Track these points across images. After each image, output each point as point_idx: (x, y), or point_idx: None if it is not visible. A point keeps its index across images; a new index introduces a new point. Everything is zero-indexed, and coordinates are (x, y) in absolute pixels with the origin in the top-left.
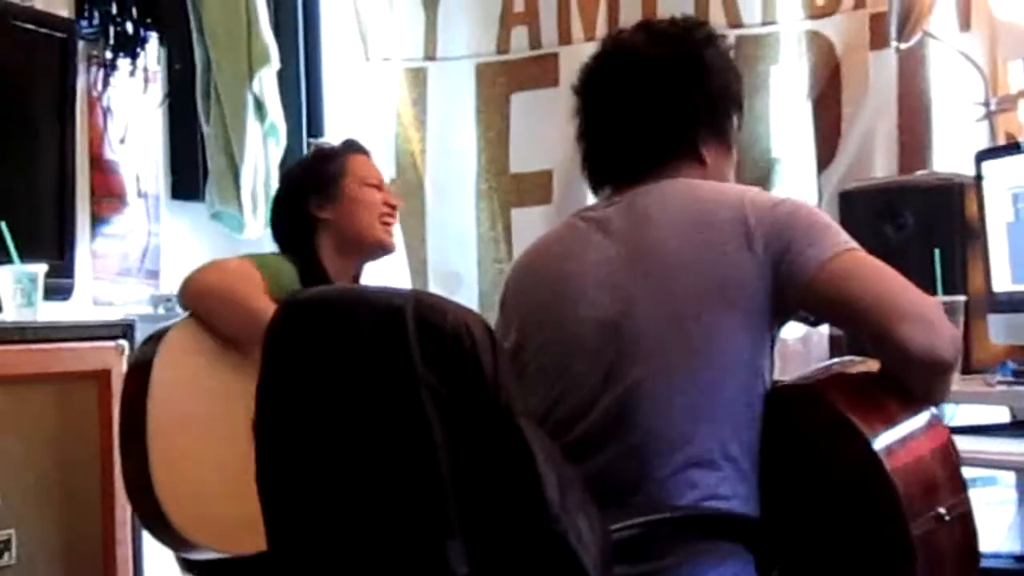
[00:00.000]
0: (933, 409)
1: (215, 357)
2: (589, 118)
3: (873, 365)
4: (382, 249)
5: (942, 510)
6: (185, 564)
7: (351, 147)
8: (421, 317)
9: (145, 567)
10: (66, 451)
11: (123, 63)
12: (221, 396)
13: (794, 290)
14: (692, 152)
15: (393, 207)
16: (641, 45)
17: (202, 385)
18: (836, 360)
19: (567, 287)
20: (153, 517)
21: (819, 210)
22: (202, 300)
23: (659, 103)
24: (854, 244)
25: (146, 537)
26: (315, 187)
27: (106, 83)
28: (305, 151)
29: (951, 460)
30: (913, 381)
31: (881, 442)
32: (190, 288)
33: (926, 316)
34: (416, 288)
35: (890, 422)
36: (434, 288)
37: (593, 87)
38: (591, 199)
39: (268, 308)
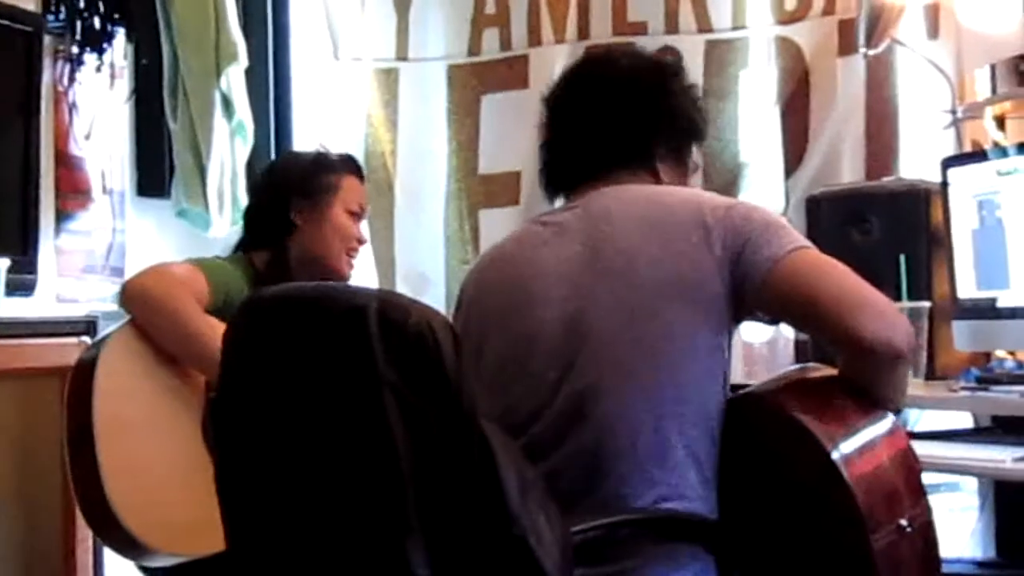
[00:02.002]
0: (893, 416)
1: (159, 359)
2: (554, 125)
3: (832, 372)
4: (339, 278)
5: (903, 521)
6: (143, 568)
7: (349, 166)
8: (384, 316)
9: (106, 567)
10: (28, 448)
11: (90, 58)
12: (167, 398)
13: (751, 288)
14: (648, 164)
15: (361, 243)
16: (612, 60)
17: (147, 388)
18: (796, 367)
19: (525, 289)
20: (108, 526)
21: (772, 212)
22: (140, 309)
23: (621, 109)
24: (808, 243)
25: None
26: (303, 191)
27: (72, 78)
28: (273, 152)
29: (911, 467)
30: (871, 375)
31: (840, 451)
32: (130, 294)
33: (879, 307)
34: (382, 288)
35: (849, 430)
36: (401, 289)
37: (563, 94)
38: (558, 201)
39: (202, 329)
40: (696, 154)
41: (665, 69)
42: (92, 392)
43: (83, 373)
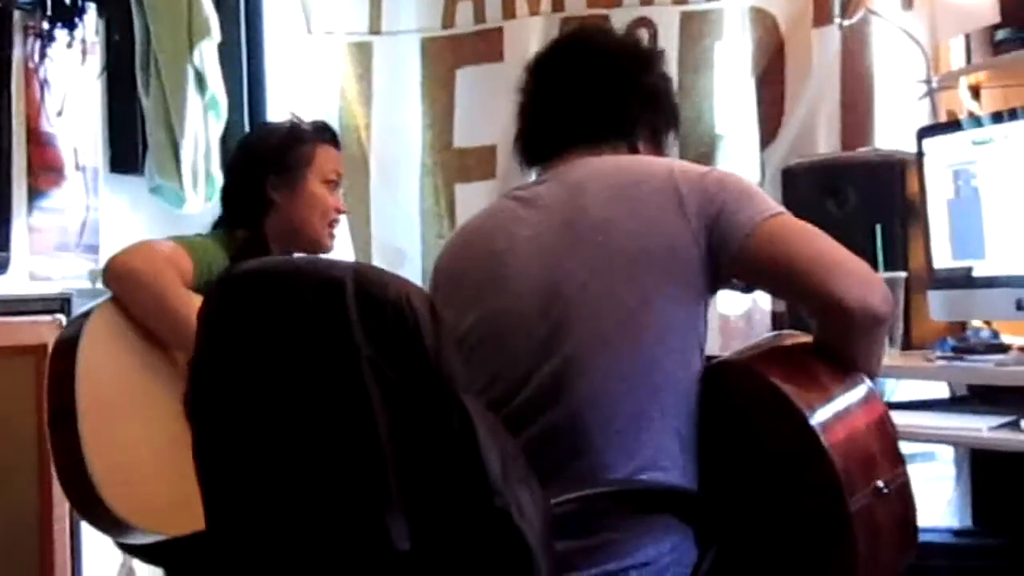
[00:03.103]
0: (869, 382)
1: (142, 336)
2: (536, 93)
3: (808, 339)
4: (322, 251)
5: (880, 484)
6: (124, 546)
7: (323, 134)
8: (361, 289)
9: (83, 544)
10: (2, 427)
11: (61, 34)
12: (150, 376)
13: (727, 254)
14: (628, 140)
15: (340, 212)
16: (599, 35)
17: (130, 365)
18: (772, 334)
19: (500, 263)
20: (90, 504)
21: (746, 179)
22: (124, 286)
23: (611, 80)
24: (783, 209)
25: None
26: (277, 167)
27: (43, 54)
28: (247, 127)
29: (888, 433)
30: (848, 340)
31: (818, 417)
32: (114, 271)
33: (857, 271)
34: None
35: (826, 397)
36: (378, 264)
37: (549, 63)
38: (532, 174)
39: (187, 308)
40: (671, 142)
41: (653, 52)
42: (75, 369)
43: (65, 350)
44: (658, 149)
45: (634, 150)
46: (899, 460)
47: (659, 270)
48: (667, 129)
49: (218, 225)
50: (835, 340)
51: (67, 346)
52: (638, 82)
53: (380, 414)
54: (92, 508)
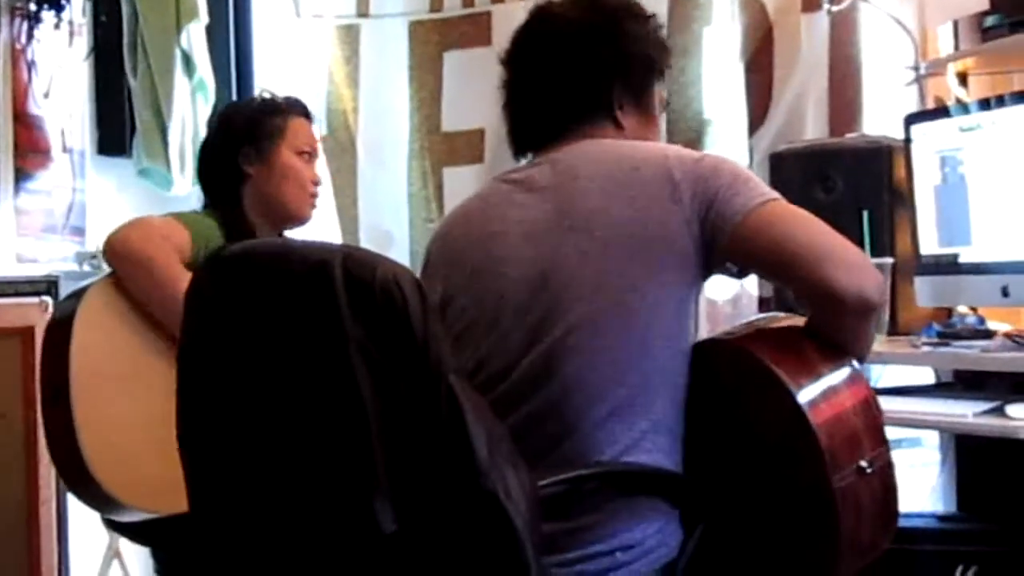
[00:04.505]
0: (855, 363)
1: (138, 314)
2: (514, 86)
3: (798, 321)
4: (299, 222)
5: (864, 463)
6: (111, 524)
7: (295, 108)
8: (349, 271)
9: (70, 526)
10: None
11: (48, 15)
12: (145, 354)
13: (721, 239)
14: (607, 113)
15: (316, 184)
16: (561, 10)
17: (125, 343)
18: (761, 316)
19: (492, 248)
20: (81, 481)
21: (740, 164)
22: (122, 264)
23: (573, 60)
24: (777, 195)
25: (71, 496)
26: (249, 140)
27: (30, 36)
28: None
29: (873, 414)
30: (839, 325)
31: (805, 396)
32: (112, 248)
33: (852, 259)
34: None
35: (814, 376)
36: (366, 247)
37: (517, 54)
38: (524, 160)
39: (181, 286)
40: (661, 89)
41: (614, 12)
42: (69, 346)
43: (60, 327)
44: (645, 108)
45: (616, 122)
46: (883, 440)
47: (651, 257)
48: (650, 84)
49: (206, 206)
50: (826, 325)
51: (62, 323)
52: (601, 55)
53: (368, 397)
54: (84, 485)
